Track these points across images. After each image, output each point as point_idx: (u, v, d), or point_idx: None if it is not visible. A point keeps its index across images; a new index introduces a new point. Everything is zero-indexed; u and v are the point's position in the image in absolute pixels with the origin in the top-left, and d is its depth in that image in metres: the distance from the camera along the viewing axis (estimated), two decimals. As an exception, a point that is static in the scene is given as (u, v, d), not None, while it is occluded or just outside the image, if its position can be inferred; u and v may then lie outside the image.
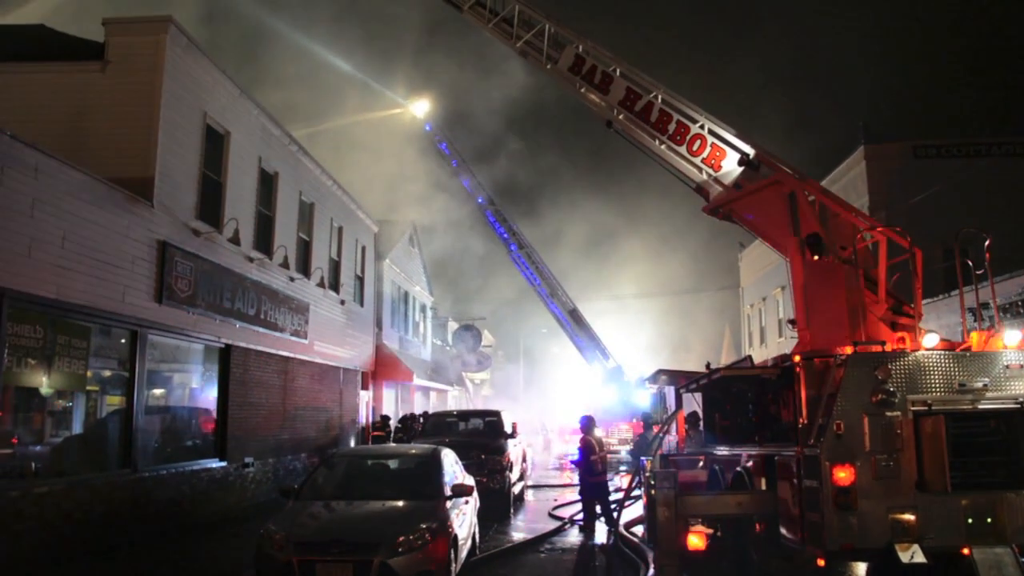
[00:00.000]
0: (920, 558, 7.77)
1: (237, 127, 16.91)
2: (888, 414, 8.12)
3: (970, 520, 7.94)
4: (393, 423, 24.26)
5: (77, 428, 12.33)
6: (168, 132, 14.00)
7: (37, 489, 10.62)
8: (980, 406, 8.21)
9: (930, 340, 8.81)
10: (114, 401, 13.11)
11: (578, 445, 15.52)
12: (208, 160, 15.67)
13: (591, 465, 14.61)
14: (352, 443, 23.92)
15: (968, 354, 8.47)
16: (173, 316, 14.08)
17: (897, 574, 8.07)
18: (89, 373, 12.28)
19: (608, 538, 13.52)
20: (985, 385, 8.21)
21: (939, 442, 7.96)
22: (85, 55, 14.19)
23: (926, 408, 8.17)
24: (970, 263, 10.33)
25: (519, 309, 53.26)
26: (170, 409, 15.23)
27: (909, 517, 7.94)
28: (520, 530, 15.23)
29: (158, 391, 14.68)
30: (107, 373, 13.08)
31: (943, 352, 8.48)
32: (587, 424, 15.25)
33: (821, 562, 8.06)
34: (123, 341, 13.10)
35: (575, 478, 24.49)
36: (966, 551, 7.87)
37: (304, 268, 20.82)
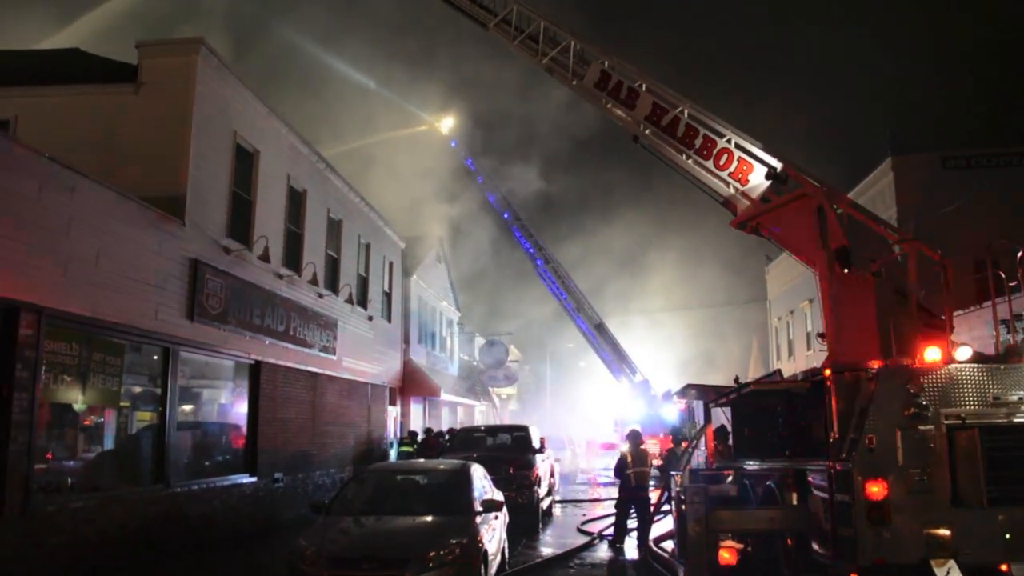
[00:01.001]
0: (956, 574, 7.67)
1: (266, 146, 17.13)
2: (921, 428, 8.06)
3: (1008, 535, 7.83)
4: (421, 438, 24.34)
5: (110, 444, 12.47)
6: (199, 151, 14.21)
7: (72, 504, 10.76)
8: (1016, 419, 8.11)
9: (963, 353, 8.72)
10: (146, 417, 13.28)
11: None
12: (238, 178, 15.88)
13: (624, 479, 14.56)
14: (393, 456, 23.97)
15: (1002, 367, 8.38)
16: (204, 333, 14.24)
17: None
18: (122, 389, 12.46)
19: (639, 553, 13.46)
20: (1021, 398, 8.12)
21: (974, 456, 7.87)
22: (119, 77, 14.44)
23: (960, 422, 8.09)
24: (1002, 274, 10.22)
25: (546, 324, 53.27)
26: (201, 425, 15.39)
27: (944, 532, 7.85)
28: (549, 545, 15.19)
29: (189, 407, 14.83)
30: (139, 389, 13.24)
31: (976, 365, 8.39)
32: (629, 438, 15.21)
33: (854, 577, 7.98)
34: (155, 358, 13.27)
35: (603, 493, 24.46)
36: (1004, 567, 7.78)
37: (332, 285, 20.98)
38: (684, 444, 21.51)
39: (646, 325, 48.36)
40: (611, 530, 15.01)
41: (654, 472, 27.32)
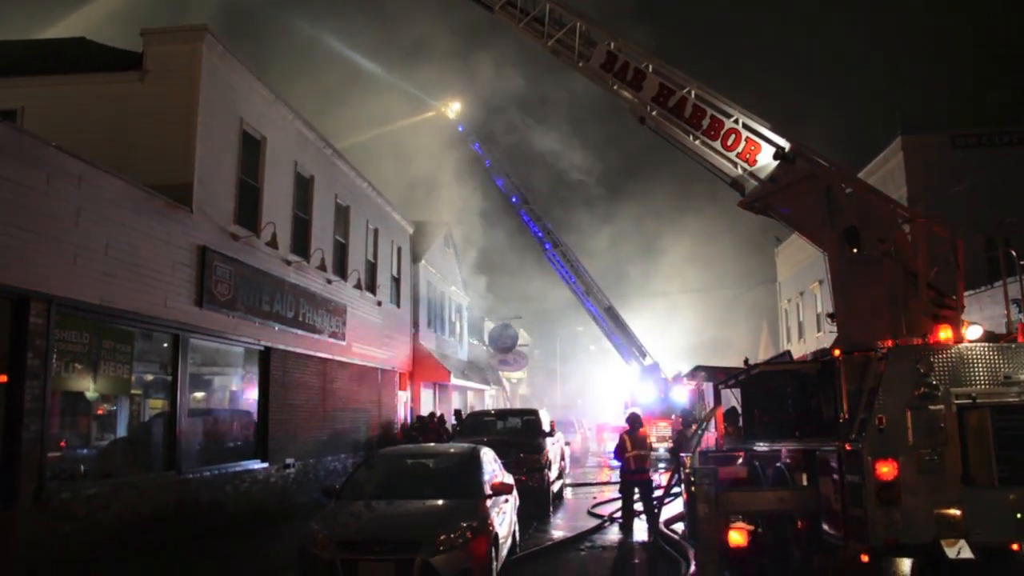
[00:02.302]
0: (967, 554, 7.65)
1: (273, 132, 17.11)
2: (931, 408, 8.01)
3: (1019, 515, 7.80)
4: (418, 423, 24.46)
5: (122, 431, 12.57)
6: (206, 139, 14.21)
7: (86, 491, 10.85)
8: (1026, 399, 8.06)
9: (973, 332, 8.67)
10: (157, 404, 13.36)
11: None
12: (245, 165, 15.88)
13: (624, 462, 14.60)
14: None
15: (1013, 346, 8.33)
16: (213, 320, 14.29)
17: (943, 570, 7.95)
18: (133, 377, 12.53)
19: (649, 535, 13.49)
20: (1031, 377, 8.05)
21: (985, 435, 7.84)
22: (124, 66, 14.43)
23: (970, 401, 8.05)
24: (1013, 253, 10.16)
25: (555, 307, 53.28)
26: (212, 411, 15.47)
27: (955, 512, 7.82)
28: (560, 528, 15.24)
29: (200, 394, 14.90)
30: (150, 377, 13.32)
31: (987, 344, 8.34)
32: (629, 421, 15.22)
33: (865, 558, 7.96)
34: (165, 345, 13.34)
35: (614, 476, 24.50)
36: (1015, 547, 7.74)
37: (341, 270, 21.00)
38: (694, 426, 21.51)
39: (656, 308, 48.33)
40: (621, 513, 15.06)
41: (663, 453, 27.48)
